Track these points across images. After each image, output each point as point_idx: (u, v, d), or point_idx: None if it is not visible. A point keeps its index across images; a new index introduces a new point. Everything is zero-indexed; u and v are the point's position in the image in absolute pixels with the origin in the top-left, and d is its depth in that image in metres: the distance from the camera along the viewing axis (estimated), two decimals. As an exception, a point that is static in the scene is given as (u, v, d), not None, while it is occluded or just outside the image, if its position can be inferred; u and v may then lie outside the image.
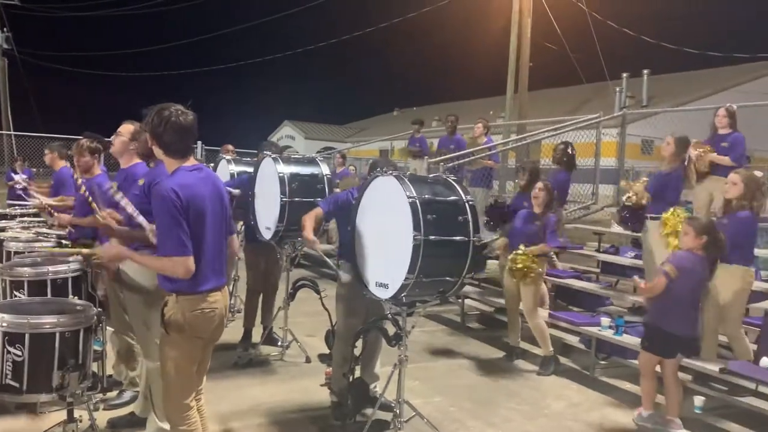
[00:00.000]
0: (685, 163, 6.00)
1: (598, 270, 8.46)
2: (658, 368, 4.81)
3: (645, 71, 23.99)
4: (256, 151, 6.75)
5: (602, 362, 6.13)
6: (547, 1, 16.40)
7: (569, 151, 7.53)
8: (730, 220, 5.09)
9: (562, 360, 6.20)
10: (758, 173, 5.56)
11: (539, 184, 6.30)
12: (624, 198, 6.36)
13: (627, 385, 5.72)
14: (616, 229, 8.55)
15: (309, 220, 4.62)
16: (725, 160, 6.45)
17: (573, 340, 6.50)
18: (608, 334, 5.93)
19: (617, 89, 22.93)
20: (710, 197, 6.53)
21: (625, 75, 23.78)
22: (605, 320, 6.07)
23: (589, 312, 6.85)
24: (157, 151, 3.18)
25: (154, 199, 3.08)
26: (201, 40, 35.31)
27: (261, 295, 6.28)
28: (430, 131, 15.82)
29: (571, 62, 19.36)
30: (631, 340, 5.81)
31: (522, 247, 6.04)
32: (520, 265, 5.98)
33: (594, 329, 6.07)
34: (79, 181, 4.50)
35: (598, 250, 8.60)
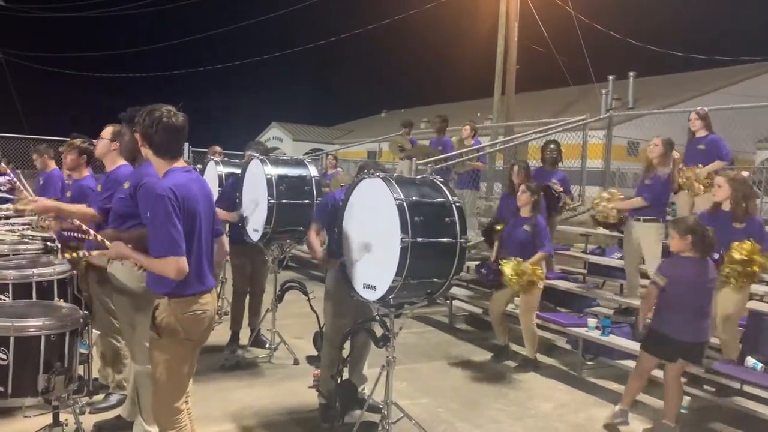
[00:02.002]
0: (671, 165, 6.07)
1: (584, 271, 8.52)
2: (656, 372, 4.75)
3: (631, 74, 24.20)
4: (243, 153, 6.74)
5: (589, 363, 6.17)
6: (534, 4, 16.49)
7: (561, 149, 7.56)
8: (747, 223, 5.04)
9: (550, 361, 6.23)
10: (745, 173, 5.61)
11: (522, 187, 6.29)
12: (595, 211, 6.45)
13: (614, 386, 5.75)
14: (603, 230, 8.61)
15: (314, 241, 4.69)
16: (716, 164, 6.47)
17: (560, 340, 6.54)
18: (595, 334, 5.98)
19: (603, 91, 23.09)
20: (692, 201, 6.62)
21: (611, 77, 24.00)
22: (592, 321, 6.12)
23: (576, 313, 6.90)
24: (147, 152, 3.14)
25: (148, 199, 3.03)
26: (188, 41, 35.25)
27: (248, 297, 6.27)
28: (419, 132, 15.84)
29: (557, 65, 19.49)
30: (618, 341, 5.86)
31: (518, 260, 5.92)
32: (526, 278, 5.84)
33: (581, 330, 6.12)
34: (69, 182, 4.47)
35: (584, 252, 8.66)
